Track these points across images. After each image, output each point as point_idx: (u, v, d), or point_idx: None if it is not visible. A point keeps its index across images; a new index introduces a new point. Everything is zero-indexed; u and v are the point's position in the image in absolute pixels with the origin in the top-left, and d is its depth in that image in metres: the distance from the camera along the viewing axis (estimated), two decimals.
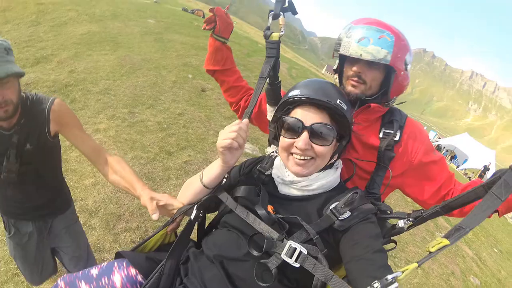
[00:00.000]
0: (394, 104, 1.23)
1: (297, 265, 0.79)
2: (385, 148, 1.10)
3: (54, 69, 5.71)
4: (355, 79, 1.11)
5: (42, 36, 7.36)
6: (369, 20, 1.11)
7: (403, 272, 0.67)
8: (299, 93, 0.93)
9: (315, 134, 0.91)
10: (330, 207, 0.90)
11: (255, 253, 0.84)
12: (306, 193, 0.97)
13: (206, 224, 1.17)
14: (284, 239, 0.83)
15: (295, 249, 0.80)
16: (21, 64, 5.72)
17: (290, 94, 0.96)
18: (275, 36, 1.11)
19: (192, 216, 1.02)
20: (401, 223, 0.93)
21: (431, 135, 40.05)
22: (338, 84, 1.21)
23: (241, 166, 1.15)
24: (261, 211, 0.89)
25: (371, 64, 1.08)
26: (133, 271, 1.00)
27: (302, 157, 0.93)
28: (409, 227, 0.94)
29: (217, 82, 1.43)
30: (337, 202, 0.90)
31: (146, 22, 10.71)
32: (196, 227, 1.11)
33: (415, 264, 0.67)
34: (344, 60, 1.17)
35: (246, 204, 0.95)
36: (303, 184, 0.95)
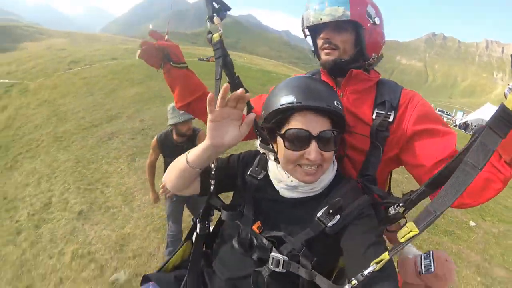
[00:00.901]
0: (378, 65, 1.18)
1: (284, 270, 0.84)
2: (377, 127, 1.04)
3: (126, 122, 7.60)
4: (326, 45, 1.09)
5: (102, 102, 9.39)
6: None
7: (377, 263, 0.68)
8: (294, 100, 0.85)
9: (323, 142, 0.86)
10: (318, 215, 0.87)
11: (255, 257, 0.91)
12: (308, 195, 0.94)
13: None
14: (270, 251, 0.87)
15: (278, 260, 0.84)
16: (98, 122, 7.59)
17: (284, 100, 0.87)
18: (215, 37, 1.10)
19: (198, 230, 1.05)
20: (391, 210, 0.89)
21: (459, 115, 38.72)
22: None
23: (238, 158, 1.09)
24: (242, 238, 0.92)
25: (336, 27, 1.06)
26: None
27: (313, 167, 0.88)
28: (404, 212, 0.89)
29: (194, 115, 1.28)
30: (323, 209, 0.87)
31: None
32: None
33: (386, 255, 0.68)
34: (315, 34, 1.15)
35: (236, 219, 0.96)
36: (309, 188, 0.93)
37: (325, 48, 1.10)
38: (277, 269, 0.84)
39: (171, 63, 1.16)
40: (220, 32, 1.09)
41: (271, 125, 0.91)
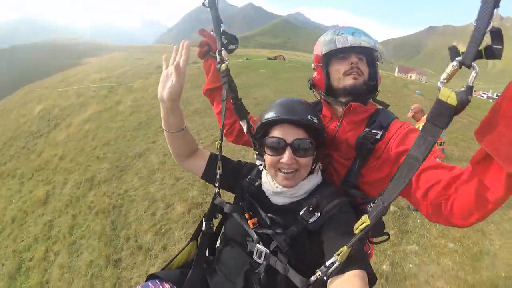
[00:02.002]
0: (376, 101, 1.26)
1: (264, 262, 0.95)
2: (362, 139, 1.11)
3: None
4: (355, 69, 1.16)
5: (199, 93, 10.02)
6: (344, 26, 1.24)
7: (338, 255, 0.75)
8: (274, 115, 1.01)
9: (297, 149, 1.00)
10: (300, 214, 0.99)
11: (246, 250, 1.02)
12: (294, 199, 1.06)
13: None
14: (257, 243, 0.99)
15: (261, 252, 0.96)
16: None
17: (266, 116, 1.03)
18: (223, 67, 1.21)
19: (204, 228, 1.18)
20: (369, 207, 0.88)
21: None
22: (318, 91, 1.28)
23: (243, 165, 1.27)
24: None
25: (360, 54, 1.17)
26: (167, 285, 1.10)
27: (289, 171, 1.01)
28: (360, 233, 0.86)
29: (213, 104, 1.46)
30: (305, 208, 0.99)
31: (260, 73, 13.54)
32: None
33: (345, 248, 0.74)
34: (331, 59, 1.20)
35: (238, 213, 1.09)
36: (291, 193, 1.05)
37: (352, 73, 1.16)
38: (259, 260, 0.96)
39: (210, 52, 1.33)
40: (227, 62, 1.23)
41: (259, 136, 1.09)
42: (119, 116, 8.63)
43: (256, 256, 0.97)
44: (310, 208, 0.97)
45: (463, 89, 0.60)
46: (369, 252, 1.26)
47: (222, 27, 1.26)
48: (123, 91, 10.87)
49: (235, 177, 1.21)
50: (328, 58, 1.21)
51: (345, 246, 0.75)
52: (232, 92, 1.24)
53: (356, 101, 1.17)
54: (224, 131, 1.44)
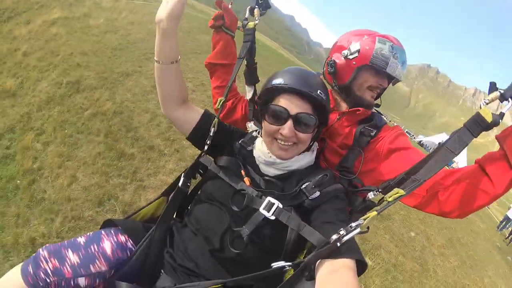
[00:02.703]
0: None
1: (273, 217, 0.91)
2: (361, 131, 1.20)
3: None
4: (379, 90, 1.25)
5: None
6: (397, 39, 1.20)
7: (364, 219, 0.77)
8: (282, 82, 0.97)
9: (299, 123, 0.97)
10: (302, 187, 0.98)
11: (235, 208, 0.94)
12: (285, 172, 1.04)
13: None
14: (263, 195, 0.95)
15: (273, 204, 0.92)
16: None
17: (274, 82, 1.00)
18: (251, 24, 1.21)
19: (180, 183, 1.11)
20: (370, 195, 0.96)
21: (420, 136, 40.20)
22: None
23: (235, 129, 1.22)
24: (241, 179, 1.01)
25: (387, 80, 1.24)
26: (122, 238, 1.04)
27: (286, 143, 0.99)
28: (380, 200, 0.92)
29: (212, 77, 1.42)
30: (308, 183, 0.98)
31: None
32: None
33: (375, 213, 0.77)
34: (366, 69, 1.18)
35: (227, 173, 1.03)
36: (284, 165, 1.03)
37: (373, 91, 1.24)
38: (267, 214, 0.92)
39: (222, 26, 1.31)
40: (256, 22, 1.22)
41: (262, 101, 1.06)
42: (92, 30, 7.85)
43: (264, 208, 0.93)
44: (313, 186, 0.97)
45: (498, 113, 0.81)
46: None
47: None
48: (91, 5, 9.69)
49: (227, 138, 1.17)
50: (369, 67, 1.18)
51: (374, 211, 0.77)
52: (249, 54, 1.24)
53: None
54: (214, 107, 1.35)
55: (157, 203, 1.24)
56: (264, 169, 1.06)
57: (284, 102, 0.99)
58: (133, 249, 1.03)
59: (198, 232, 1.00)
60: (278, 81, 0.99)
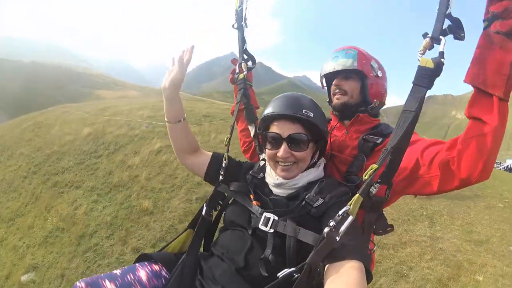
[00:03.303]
0: (378, 111, 1.40)
1: (271, 230, 0.97)
2: (363, 138, 1.26)
3: None
4: (337, 91, 1.35)
5: None
6: (340, 47, 1.38)
7: (350, 205, 0.81)
8: (271, 111, 1.10)
9: (292, 143, 1.08)
10: (305, 198, 1.04)
11: (250, 230, 1.02)
12: (294, 190, 1.12)
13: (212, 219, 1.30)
14: (263, 212, 1.01)
15: (269, 218, 0.99)
16: None
17: (265, 112, 1.14)
18: (241, 76, 1.43)
19: (204, 212, 1.21)
20: (372, 189, 0.94)
21: (508, 161, 33.93)
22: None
23: (243, 163, 1.34)
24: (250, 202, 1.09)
25: (346, 76, 1.33)
26: (156, 267, 1.11)
27: (286, 164, 1.09)
28: (387, 191, 0.96)
29: (237, 122, 1.65)
30: (309, 193, 1.05)
31: None
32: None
33: (357, 196, 0.83)
34: (330, 83, 1.42)
35: (240, 196, 1.14)
36: (291, 184, 1.11)
37: (336, 93, 1.35)
38: (265, 229, 0.97)
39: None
40: (244, 73, 1.43)
41: (260, 132, 1.20)
42: None
43: (262, 224, 0.99)
44: (314, 194, 1.03)
45: (436, 56, 0.83)
46: (371, 254, 1.21)
47: (245, 47, 1.48)
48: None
49: (238, 171, 1.29)
50: (327, 80, 1.45)
51: (357, 194, 0.81)
52: (245, 97, 1.46)
53: (346, 116, 1.37)
54: (242, 148, 1.65)
55: (185, 236, 1.32)
56: (276, 191, 1.15)
57: (276, 128, 1.11)
58: (167, 277, 1.10)
59: (224, 256, 1.05)
60: (268, 110, 1.13)
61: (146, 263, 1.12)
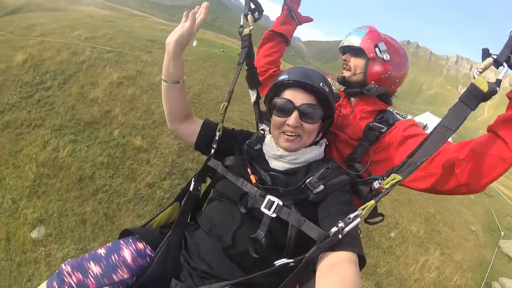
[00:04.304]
0: (379, 93, 1.34)
1: (274, 215, 0.93)
2: (369, 127, 1.24)
3: None
4: (344, 65, 1.37)
5: None
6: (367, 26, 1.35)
7: (363, 209, 0.77)
8: (287, 77, 1.06)
9: (304, 113, 1.03)
10: (306, 181, 1.00)
11: (243, 210, 0.97)
12: (293, 166, 1.09)
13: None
14: (265, 194, 0.97)
15: (273, 202, 0.94)
16: None
17: (280, 78, 1.09)
18: (246, 31, 1.27)
19: (191, 188, 1.14)
20: (376, 184, 0.94)
21: (409, 117, 37.12)
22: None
23: (240, 131, 1.29)
24: (247, 178, 1.03)
25: (354, 53, 1.32)
26: (141, 245, 1.07)
27: (292, 134, 1.05)
28: (390, 188, 0.87)
29: (266, 44, 1.61)
30: (312, 177, 1.01)
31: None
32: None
33: (373, 202, 0.77)
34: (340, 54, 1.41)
35: (235, 172, 1.07)
36: (291, 158, 1.08)
37: (343, 68, 1.40)
38: (268, 212, 0.94)
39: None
40: (250, 27, 1.30)
41: (269, 98, 1.15)
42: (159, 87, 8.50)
43: (265, 207, 0.95)
44: (316, 180, 1.00)
45: (494, 81, 0.78)
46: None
47: None
48: (135, 61, 9.73)
49: (233, 141, 1.24)
50: (341, 51, 1.42)
51: (373, 200, 0.78)
52: (248, 58, 1.32)
53: (351, 93, 1.38)
54: (260, 69, 1.51)
55: (171, 209, 1.27)
56: (273, 163, 1.12)
57: (289, 94, 1.06)
58: (152, 255, 1.08)
59: (210, 232, 1.03)
60: (283, 77, 1.08)
61: (130, 241, 1.09)
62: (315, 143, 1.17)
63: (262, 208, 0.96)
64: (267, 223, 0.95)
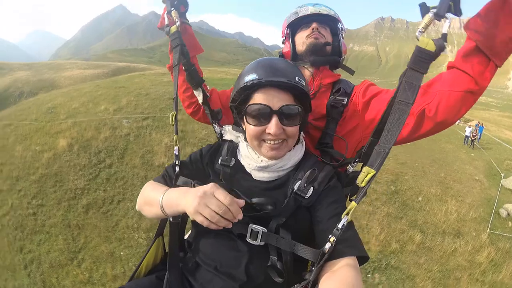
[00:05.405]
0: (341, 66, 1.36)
1: (262, 243, 0.86)
2: (331, 104, 1.20)
3: None
4: (316, 33, 1.27)
5: None
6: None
7: (347, 214, 0.74)
8: (256, 77, 0.88)
9: (284, 117, 0.90)
10: (294, 189, 0.92)
11: (250, 240, 0.88)
12: (281, 173, 0.98)
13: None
14: (248, 223, 0.87)
15: (257, 231, 0.86)
16: None
17: (247, 78, 0.90)
18: (173, 28, 1.17)
19: (172, 218, 0.97)
20: (349, 168, 0.94)
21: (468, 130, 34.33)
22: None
23: (201, 154, 1.09)
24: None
25: (323, 23, 1.30)
26: None
27: (275, 142, 0.92)
28: (367, 185, 0.79)
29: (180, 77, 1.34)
30: (299, 182, 0.93)
31: None
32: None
33: (354, 204, 0.74)
34: (296, 30, 1.33)
35: None
36: (279, 166, 0.96)
37: (313, 35, 1.27)
38: (255, 242, 0.86)
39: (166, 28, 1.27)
40: (177, 24, 1.17)
41: (237, 104, 0.96)
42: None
43: (250, 238, 0.88)
44: (305, 185, 0.92)
45: (439, 37, 0.72)
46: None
47: None
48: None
49: (199, 168, 1.07)
50: (293, 28, 1.34)
51: (353, 202, 0.74)
52: (184, 57, 1.19)
53: (321, 61, 1.27)
54: (188, 110, 1.41)
55: (155, 247, 1.16)
56: (258, 175, 0.99)
57: (263, 98, 0.90)
58: None
59: (217, 271, 0.92)
60: (251, 76, 0.90)
61: None
62: (296, 141, 1.04)
63: (248, 239, 0.88)
64: (273, 247, 0.89)
